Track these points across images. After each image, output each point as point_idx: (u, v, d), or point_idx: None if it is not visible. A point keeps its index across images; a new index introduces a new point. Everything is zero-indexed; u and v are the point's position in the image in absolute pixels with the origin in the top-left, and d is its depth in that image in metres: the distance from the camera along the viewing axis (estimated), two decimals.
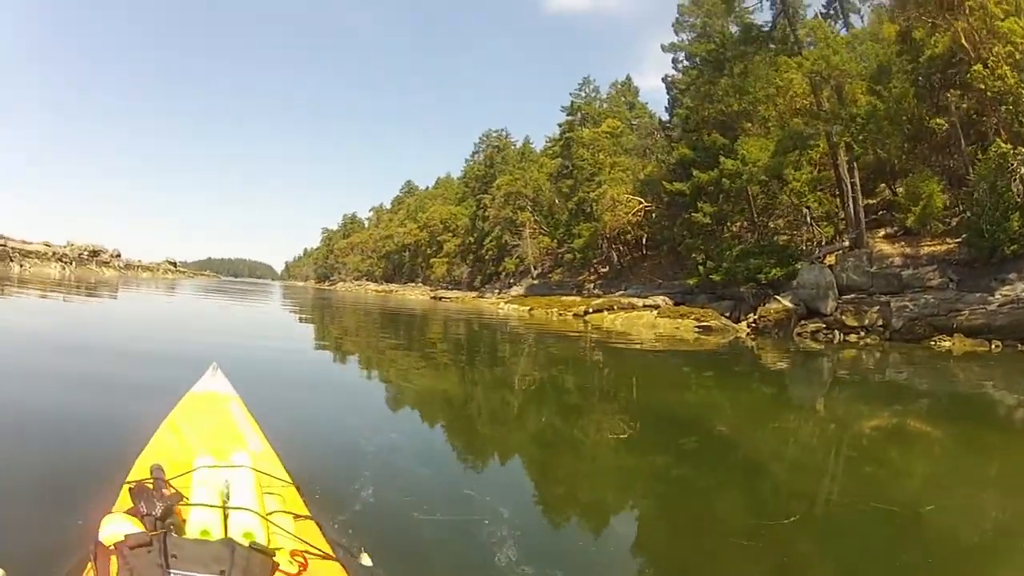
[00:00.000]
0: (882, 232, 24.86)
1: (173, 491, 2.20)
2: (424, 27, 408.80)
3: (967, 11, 20.27)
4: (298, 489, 2.66)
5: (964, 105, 22.76)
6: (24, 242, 49.70)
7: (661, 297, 29.23)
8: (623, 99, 56.29)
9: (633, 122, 52.02)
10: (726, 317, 24.92)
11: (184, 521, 2.06)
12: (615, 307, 28.93)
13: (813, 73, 23.78)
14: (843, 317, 21.56)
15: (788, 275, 24.60)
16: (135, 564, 1.73)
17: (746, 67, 28.61)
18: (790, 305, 22.88)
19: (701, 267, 28.65)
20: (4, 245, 44.93)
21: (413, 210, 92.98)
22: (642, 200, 38.71)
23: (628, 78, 59.01)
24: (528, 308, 36.53)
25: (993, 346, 17.81)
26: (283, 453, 3.08)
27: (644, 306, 27.85)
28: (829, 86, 24.35)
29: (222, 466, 2.43)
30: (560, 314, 32.05)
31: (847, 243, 24.70)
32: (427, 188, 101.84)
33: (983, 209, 18.99)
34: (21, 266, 43.18)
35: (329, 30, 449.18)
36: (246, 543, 1.89)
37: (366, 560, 2.45)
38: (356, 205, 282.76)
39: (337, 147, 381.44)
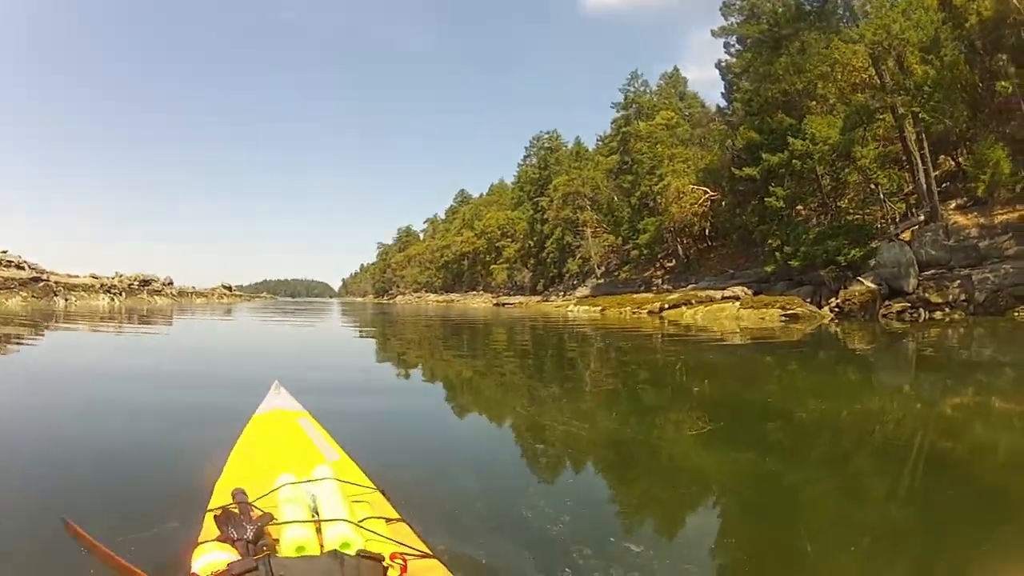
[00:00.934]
0: (953, 204, 24.28)
1: (260, 513, 2.14)
2: (466, 38, 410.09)
3: None
4: (384, 494, 2.62)
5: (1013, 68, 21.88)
6: (69, 275, 48.72)
7: (739, 287, 28.60)
8: (673, 90, 55.31)
9: (686, 112, 51.43)
10: (808, 303, 24.54)
11: (277, 541, 2.02)
12: (693, 301, 28.45)
13: (875, 44, 23.35)
14: (926, 294, 21.20)
15: (866, 255, 24.08)
16: None
17: (803, 44, 27.99)
18: (873, 286, 22.49)
19: (778, 253, 28.02)
20: (47, 280, 44.24)
21: (469, 218, 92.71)
22: (707, 190, 38.37)
23: (675, 69, 58.05)
24: (599, 308, 35.71)
25: None
26: (361, 462, 3.04)
27: (723, 298, 27.37)
28: (892, 56, 23.89)
29: (305, 481, 2.39)
30: (634, 312, 31.16)
31: (922, 218, 24.17)
32: (481, 195, 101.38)
33: None
34: (66, 300, 42.64)
35: (371, 44, 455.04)
36: (352, 552, 1.88)
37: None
38: (410, 218, 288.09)
39: (388, 162, 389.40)
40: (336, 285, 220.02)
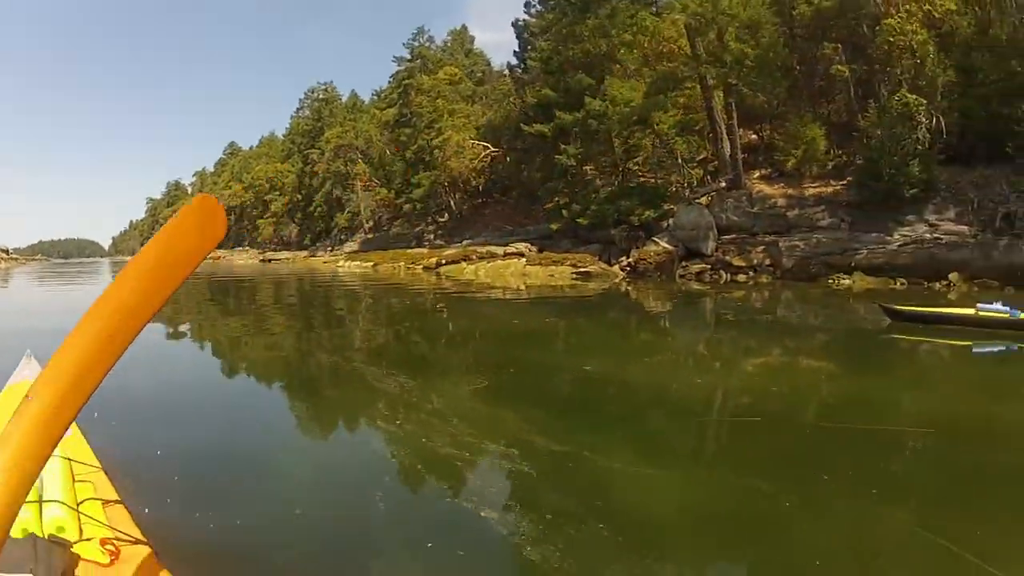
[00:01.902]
0: (757, 174, 24.19)
1: None
2: None
3: None
4: (107, 474, 2.53)
5: (838, 57, 22.99)
6: None
7: (523, 244, 27.32)
8: (460, 47, 54.80)
9: (469, 69, 50.75)
10: (599, 260, 23.68)
11: None
12: (473, 256, 26.83)
13: (697, 15, 22.83)
14: (727, 257, 20.90)
15: (660, 216, 23.80)
16: None
17: (613, 9, 27.44)
18: (669, 247, 21.85)
19: (564, 211, 27.13)
20: None
21: (237, 171, 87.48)
22: (487, 145, 37.67)
23: (464, 27, 57.55)
24: (372, 264, 34.38)
25: (898, 283, 17.56)
26: (93, 433, 2.92)
27: (506, 254, 25.97)
28: (713, 29, 23.44)
29: None
30: (409, 268, 30.19)
31: (723, 184, 23.62)
32: (251, 148, 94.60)
33: (881, 154, 19.26)
34: None
35: None
36: (68, 536, 1.84)
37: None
38: (180, 172, 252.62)
39: (158, 113, 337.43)
40: (107, 244, 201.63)
